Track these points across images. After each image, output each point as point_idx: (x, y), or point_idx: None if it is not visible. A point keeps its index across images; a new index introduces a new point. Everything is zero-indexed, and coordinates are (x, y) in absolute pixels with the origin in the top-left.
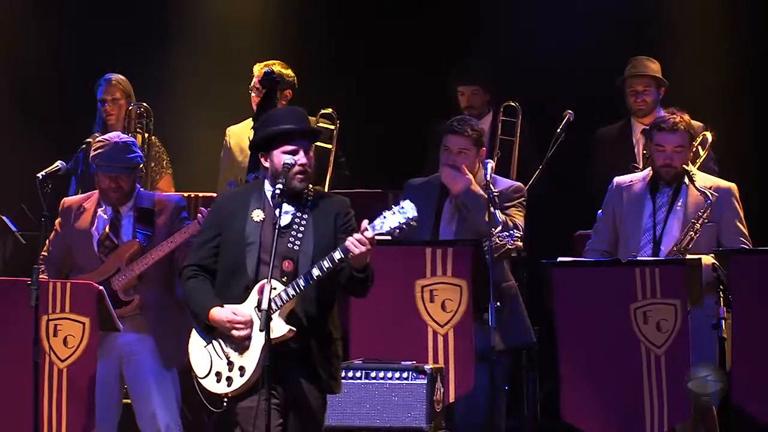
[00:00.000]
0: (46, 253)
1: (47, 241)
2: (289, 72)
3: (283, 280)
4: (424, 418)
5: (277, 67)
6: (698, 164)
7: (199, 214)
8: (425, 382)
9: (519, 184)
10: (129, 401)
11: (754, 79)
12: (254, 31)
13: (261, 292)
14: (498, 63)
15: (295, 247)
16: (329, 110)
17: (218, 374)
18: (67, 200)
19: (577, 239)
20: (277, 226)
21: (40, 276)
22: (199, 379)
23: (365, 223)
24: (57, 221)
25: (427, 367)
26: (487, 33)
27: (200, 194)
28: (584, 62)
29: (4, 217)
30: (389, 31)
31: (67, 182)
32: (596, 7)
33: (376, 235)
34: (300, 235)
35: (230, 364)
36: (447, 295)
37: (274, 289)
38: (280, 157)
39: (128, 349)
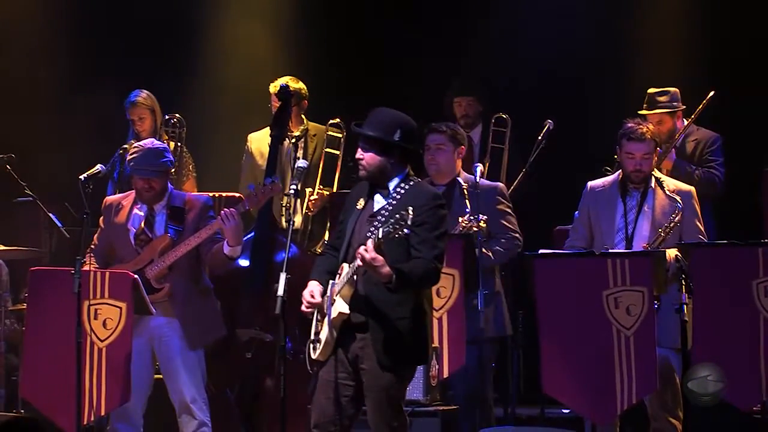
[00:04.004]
0: (94, 246)
1: (95, 236)
2: (302, 85)
3: None
4: (422, 391)
5: (291, 82)
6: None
7: (223, 212)
8: None
9: (500, 184)
10: (161, 376)
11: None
12: (266, 48)
13: (341, 273)
14: (489, 78)
15: (371, 235)
16: (337, 120)
17: (312, 342)
18: (109, 199)
19: (556, 234)
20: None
21: (83, 266)
22: (309, 342)
23: (369, 243)
24: (101, 218)
25: None
26: (488, 34)
27: (224, 194)
28: (562, 77)
29: (51, 214)
30: (390, 33)
31: (105, 183)
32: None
33: (385, 237)
34: (379, 224)
35: (316, 334)
36: (441, 283)
37: (342, 272)
38: None
39: (159, 331)
